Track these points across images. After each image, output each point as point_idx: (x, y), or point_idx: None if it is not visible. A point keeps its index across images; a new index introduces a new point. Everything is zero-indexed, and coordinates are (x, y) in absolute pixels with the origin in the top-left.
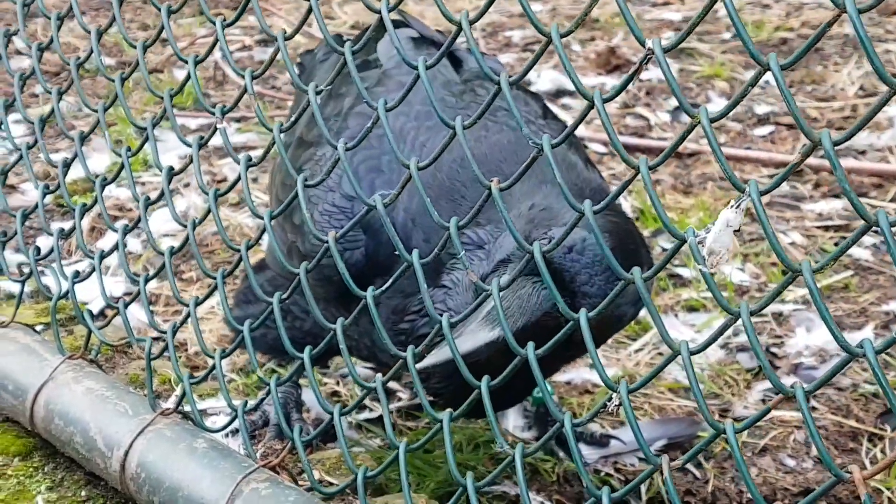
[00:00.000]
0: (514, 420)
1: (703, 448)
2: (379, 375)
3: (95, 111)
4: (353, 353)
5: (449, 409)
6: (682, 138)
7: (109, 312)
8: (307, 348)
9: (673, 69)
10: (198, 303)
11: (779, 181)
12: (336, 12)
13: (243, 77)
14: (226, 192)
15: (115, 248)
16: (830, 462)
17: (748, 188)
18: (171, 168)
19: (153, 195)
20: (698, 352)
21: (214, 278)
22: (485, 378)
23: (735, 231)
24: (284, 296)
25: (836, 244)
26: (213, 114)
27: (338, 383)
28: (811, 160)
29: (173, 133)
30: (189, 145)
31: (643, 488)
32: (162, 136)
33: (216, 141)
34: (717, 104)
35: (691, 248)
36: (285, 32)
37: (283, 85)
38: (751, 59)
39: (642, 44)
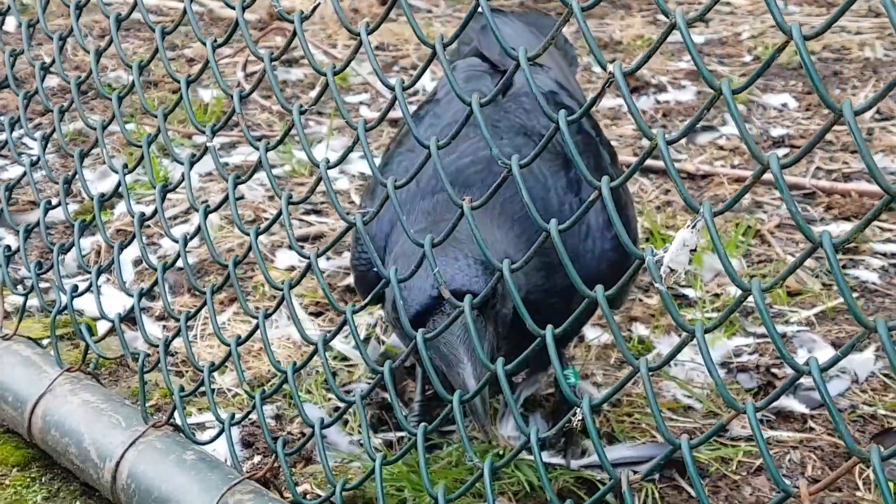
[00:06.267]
0: (511, 427)
1: (660, 463)
2: (358, 388)
3: (94, 129)
4: None
5: (423, 423)
6: (641, 161)
7: (124, 326)
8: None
9: (691, 91)
10: (189, 317)
11: (731, 203)
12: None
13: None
14: (215, 209)
15: (112, 263)
16: (777, 476)
17: (702, 209)
18: (165, 185)
19: (172, 211)
20: (657, 368)
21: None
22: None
23: (691, 250)
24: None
25: (843, 266)
26: (203, 131)
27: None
28: (823, 182)
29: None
30: (181, 163)
31: None
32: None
33: (251, 159)
34: (733, 127)
35: (649, 267)
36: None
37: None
38: (768, 82)
39: (603, 67)
